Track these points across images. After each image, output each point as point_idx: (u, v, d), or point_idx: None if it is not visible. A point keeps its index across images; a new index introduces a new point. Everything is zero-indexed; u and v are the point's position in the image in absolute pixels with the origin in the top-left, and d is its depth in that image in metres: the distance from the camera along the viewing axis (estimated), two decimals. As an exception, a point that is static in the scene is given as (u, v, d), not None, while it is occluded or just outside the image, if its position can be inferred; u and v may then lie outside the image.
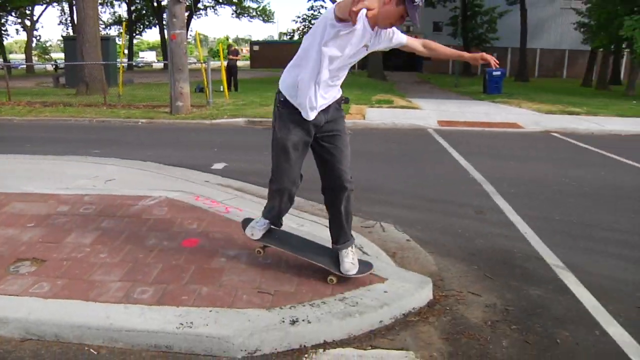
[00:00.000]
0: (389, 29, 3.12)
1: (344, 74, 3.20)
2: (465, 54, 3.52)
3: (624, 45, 28.74)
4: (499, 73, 21.35)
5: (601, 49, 30.71)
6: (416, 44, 3.43)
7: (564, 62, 44.97)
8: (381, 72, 33.06)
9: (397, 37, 3.25)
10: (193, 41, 38.91)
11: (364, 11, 2.65)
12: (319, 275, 3.39)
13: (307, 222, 4.44)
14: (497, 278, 3.75)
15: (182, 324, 2.76)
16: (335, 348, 2.76)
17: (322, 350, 2.74)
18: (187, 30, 40.62)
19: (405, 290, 3.23)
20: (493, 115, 14.55)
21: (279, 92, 3.20)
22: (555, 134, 11.78)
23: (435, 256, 4.08)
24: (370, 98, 17.90)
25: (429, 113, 14.70)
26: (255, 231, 3.54)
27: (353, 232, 3.51)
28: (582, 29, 31.85)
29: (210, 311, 2.89)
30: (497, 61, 3.41)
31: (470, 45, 36.97)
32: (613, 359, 2.82)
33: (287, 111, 3.16)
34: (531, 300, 3.46)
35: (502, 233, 4.78)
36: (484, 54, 3.36)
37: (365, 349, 2.76)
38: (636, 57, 23.01)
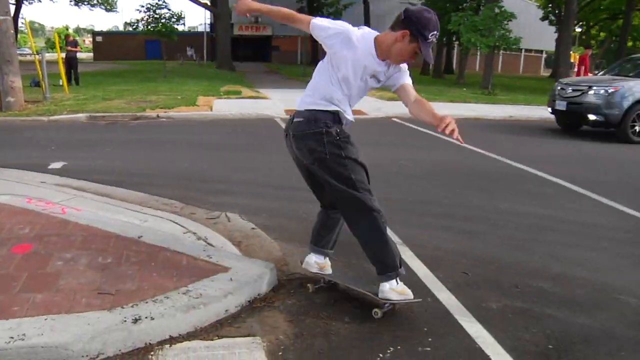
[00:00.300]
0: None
1: (353, 102, 3.18)
2: (437, 115, 3.00)
3: (453, 39, 31.56)
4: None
5: (435, 41, 33.32)
6: (411, 95, 3.18)
7: (404, 52, 47.93)
8: (230, 63, 32.83)
9: (402, 75, 3.18)
10: (25, 30, 35.64)
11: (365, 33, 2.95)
12: (162, 270, 3.34)
13: (150, 217, 4.33)
14: (340, 257, 3.93)
15: (12, 338, 2.55)
16: (181, 342, 2.75)
17: (168, 345, 2.71)
18: (18, 17, 37.38)
19: (250, 278, 3.28)
20: (339, 104, 15.14)
21: (318, 121, 3.07)
22: (395, 119, 12.59)
23: (280, 242, 4.19)
24: (218, 89, 17.79)
25: (276, 102, 14.95)
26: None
27: (198, 224, 3.51)
28: (418, 22, 34.14)
29: (46, 319, 2.72)
30: (461, 139, 2.87)
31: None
32: (441, 320, 3.13)
33: (334, 132, 3.09)
34: (371, 275, 3.68)
35: (345, 215, 5.02)
36: (448, 124, 2.82)
37: (212, 340, 2.78)
38: (463, 49, 25.38)
